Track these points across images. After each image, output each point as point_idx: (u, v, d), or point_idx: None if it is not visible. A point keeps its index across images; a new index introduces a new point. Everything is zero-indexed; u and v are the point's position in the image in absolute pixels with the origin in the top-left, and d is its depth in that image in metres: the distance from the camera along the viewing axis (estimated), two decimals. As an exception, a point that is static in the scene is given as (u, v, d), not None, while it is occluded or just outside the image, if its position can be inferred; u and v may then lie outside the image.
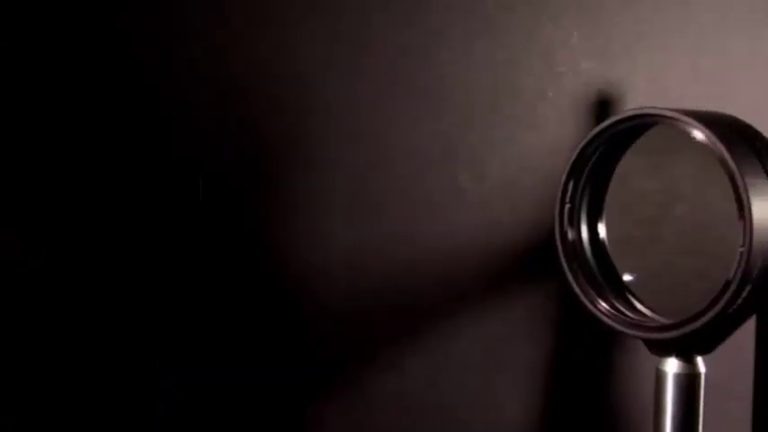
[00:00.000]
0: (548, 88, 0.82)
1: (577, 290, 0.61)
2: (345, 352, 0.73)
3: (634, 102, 0.88)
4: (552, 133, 0.81)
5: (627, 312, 0.60)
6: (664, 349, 0.60)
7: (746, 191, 0.54)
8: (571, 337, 0.85)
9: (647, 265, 0.62)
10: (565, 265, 0.61)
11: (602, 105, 0.85)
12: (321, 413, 0.72)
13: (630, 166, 0.62)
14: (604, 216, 0.63)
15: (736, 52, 0.98)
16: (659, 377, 0.61)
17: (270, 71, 0.68)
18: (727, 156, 0.54)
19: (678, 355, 0.60)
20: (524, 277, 0.82)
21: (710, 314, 0.55)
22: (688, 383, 0.60)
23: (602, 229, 0.63)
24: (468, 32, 0.77)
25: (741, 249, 0.54)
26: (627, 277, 0.61)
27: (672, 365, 0.60)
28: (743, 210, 0.54)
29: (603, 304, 0.60)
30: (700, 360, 0.61)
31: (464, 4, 0.77)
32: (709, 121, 0.56)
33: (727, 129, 0.56)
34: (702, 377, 0.61)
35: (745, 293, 0.55)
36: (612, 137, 0.60)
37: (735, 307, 0.55)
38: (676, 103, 0.91)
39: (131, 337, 0.64)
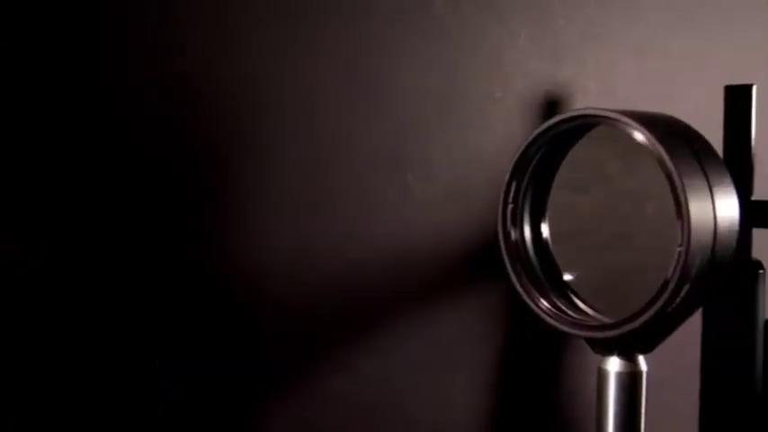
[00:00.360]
0: (496, 89, 0.82)
1: (520, 289, 0.61)
2: (295, 352, 0.73)
3: (582, 102, 0.88)
4: (500, 134, 0.82)
5: (569, 312, 0.60)
6: (605, 348, 0.61)
7: (684, 191, 0.54)
8: (520, 337, 0.85)
9: (590, 264, 0.63)
10: (508, 264, 0.62)
11: (550, 106, 0.86)
12: (271, 414, 0.72)
13: (573, 167, 0.62)
14: (547, 216, 0.63)
15: (682, 53, 0.99)
16: (601, 376, 0.61)
17: (220, 70, 0.67)
18: (665, 156, 0.54)
19: (620, 354, 0.61)
20: (474, 277, 0.82)
21: (649, 313, 0.55)
22: (629, 382, 0.61)
23: (545, 229, 0.63)
24: (416, 33, 0.77)
25: (679, 249, 0.54)
26: (568, 276, 0.61)
27: (613, 364, 0.61)
28: (681, 210, 0.54)
29: (546, 303, 0.60)
30: (641, 359, 0.61)
31: (413, 4, 0.77)
32: (649, 121, 0.56)
33: (667, 129, 0.57)
34: (644, 375, 0.61)
35: (683, 293, 0.56)
36: (555, 137, 0.60)
37: (674, 306, 0.56)
38: (623, 104, 0.92)
39: (88, 337, 0.64)
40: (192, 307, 0.67)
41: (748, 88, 0.85)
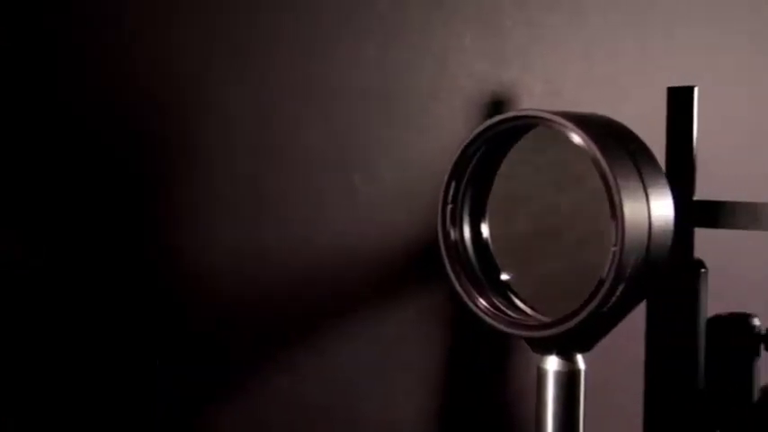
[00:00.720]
0: (440, 89, 0.82)
1: (459, 289, 0.61)
2: (243, 352, 0.72)
3: (528, 103, 0.89)
4: (445, 134, 0.82)
5: (508, 311, 0.61)
6: (544, 347, 0.61)
7: (619, 192, 0.55)
8: (467, 337, 0.85)
9: (530, 264, 0.63)
10: (447, 264, 0.62)
11: (496, 107, 0.86)
12: (219, 414, 0.71)
13: (513, 167, 0.63)
14: (487, 216, 0.63)
15: (627, 55, 1.00)
16: (540, 375, 0.62)
17: (166, 71, 0.67)
18: (600, 157, 0.55)
19: (558, 353, 0.61)
20: (419, 277, 0.82)
21: (585, 313, 0.56)
22: (568, 381, 0.61)
23: (485, 229, 0.63)
24: (361, 32, 0.77)
25: (614, 249, 0.55)
26: (505, 276, 0.62)
27: (552, 363, 0.61)
28: (615, 210, 0.55)
29: (484, 303, 0.61)
30: (580, 357, 0.62)
31: (357, 3, 0.77)
32: (585, 122, 0.57)
33: (603, 131, 0.57)
34: (582, 374, 0.62)
35: (618, 292, 0.56)
36: (494, 138, 0.61)
37: (609, 305, 0.56)
38: (569, 105, 0.93)
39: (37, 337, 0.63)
40: (140, 307, 0.66)
41: (690, 90, 0.86)
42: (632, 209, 0.55)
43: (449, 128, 0.82)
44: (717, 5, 1.15)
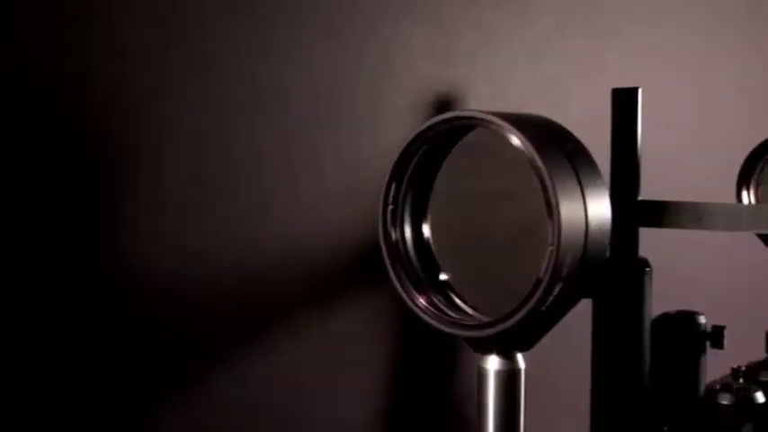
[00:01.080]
0: (387, 90, 0.83)
1: (400, 289, 0.62)
2: (184, 352, 0.72)
3: (474, 104, 0.90)
4: (392, 134, 0.82)
5: (448, 311, 0.61)
6: (484, 347, 0.61)
7: (555, 192, 0.55)
8: (414, 336, 0.86)
9: (471, 264, 0.63)
10: (388, 264, 0.62)
11: (442, 107, 0.87)
12: (159, 415, 0.71)
13: (454, 168, 0.63)
14: (429, 216, 0.63)
15: (574, 56, 1.01)
16: (481, 374, 0.62)
17: (105, 71, 0.66)
18: (536, 158, 0.55)
19: (498, 353, 0.61)
20: (366, 277, 0.82)
21: (523, 312, 0.56)
22: (508, 380, 0.62)
23: (426, 230, 0.63)
24: (307, 33, 0.77)
25: (550, 248, 0.55)
26: (443, 276, 0.62)
27: (493, 362, 0.62)
28: (551, 210, 0.55)
29: (424, 303, 0.61)
30: (520, 356, 0.62)
31: (304, 4, 0.76)
32: (523, 123, 0.57)
33: (540, 131, 0.58)
34: (522, 373, 0.62)
35: (555, 291, 0.57)
36: (433, 139, 0.61)
37: (547, 305, 0.57)
38: (516, 106, 0.94)
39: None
40: (81, 306, 0.65)
41: (634, 91, 0.87)
42: (569, 209, 0.56)
43: (395, 128, 0.82)
44: (662, 8, 1.17)
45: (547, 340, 1.00)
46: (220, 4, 0.71)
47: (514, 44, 0.94)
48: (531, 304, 0.56)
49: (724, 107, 1.34)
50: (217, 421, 0.73)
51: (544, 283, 0.56)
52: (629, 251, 0.88)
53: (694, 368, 0.93)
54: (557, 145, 0.58)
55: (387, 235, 0.62)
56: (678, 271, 1.20)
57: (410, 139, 0.61)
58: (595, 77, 1.01)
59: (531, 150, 0.56)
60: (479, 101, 0.89)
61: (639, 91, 0.87)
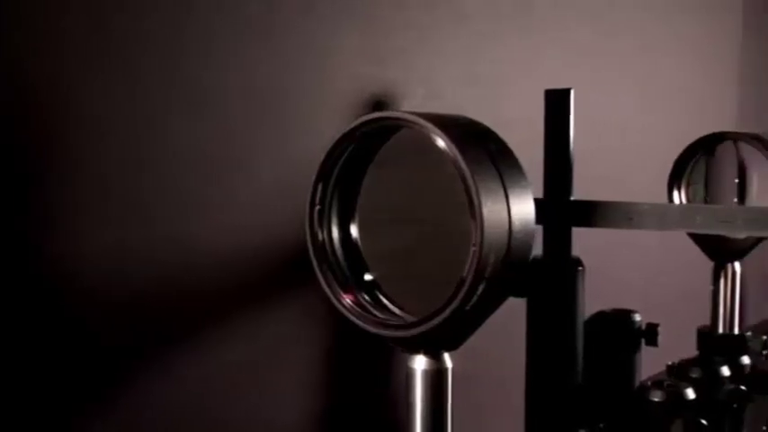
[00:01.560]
0: (320, 90, 0.83)
1: (327, 289, 0.62)
2: (113, 354, 0.71)
3: (409, 105, 0.90)
4: (326, 134, 0.82)
5: (374, 311, 0.61)
6: (411, 347, 0.62)
7: (477, 192, 0.56)
8: (348, 336, 0.86)
9: (398, 264, 0.64)
10: (315, 265, 0.62)
11: (377, 107, 0.87)
12: (88, 416, 0.70)
13: (381, 168, 0.63)
14: (356, 217, 0.63)
15: (509, 56, 1.02)
16: (408, 374, 0.62)
17: (29, 68, 0.65)
18: (459, 158, 0.56)
19: (425, 353, 0.62)
20: (297, 277, 0.82)
21: (447, 312, 0.57)
22: (436, 379, 0.62)
23: (353, 230, 0.63)
24: (240, 33, 0.76)
25: (473, 249, 0.56)
26: (368, 276, 0.62)
27: (420, 362, 0.62)
28: (474, 210, 0.56)
29: (351, 303, 0.61)
30: (447, 356, 0.62)
31: (237, 4, 0.76)
32: (446, 124, 0.57)
33: (464, 132, 0.58)
34: (449, 372, 0.63)
35: (479, 291, 0.57)
36: (360, 139, 0.61)
37: (471, 304, 0.57)
38: (451, 107, 0.94)
39: None
40: (6, 307, 0.64)
41: (567, 92, 0.88)
42: (491, 209, 0.56)
43: (330, 128, 0.82)
44: (597, 9, 1.18)
45: (486, 340, 1.01)
46: (150, 3, 0.71)
47: (449, 45, 0.94)
48: (454, 304, 0.57)
49: (659, 107, 1.36)
50: (147, 422, 0.73)
51: (467, 283, 0.56)
52: (561, 251, 0.89)
53: (629, 365, 0.95)
54: (480, 145, 0.58)
55: (314, 235, 0.62)
56: (615, 270, 1.22)
57: (336, 140, 0.61)
58: (531, 78, 1.02)
59: (454, 151, 0.56)
60: (414, 101, 0.90)
61: (572, 92, 0.88)
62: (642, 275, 1.29)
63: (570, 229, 0.89)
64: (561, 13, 1.09)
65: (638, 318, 0.94)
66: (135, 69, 0.70)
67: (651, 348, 0.94)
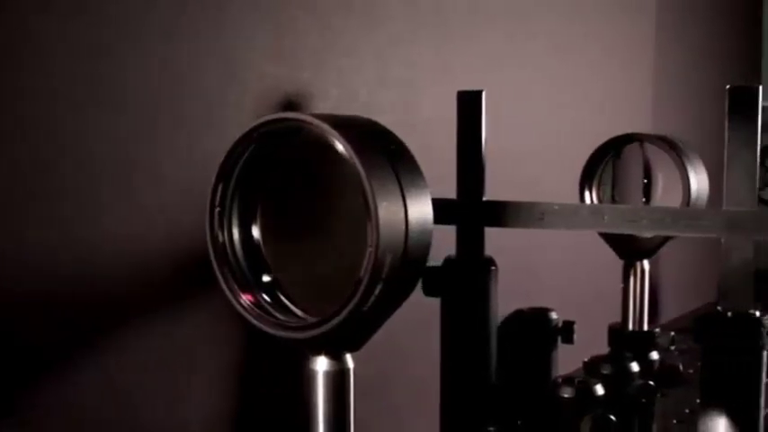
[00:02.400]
0: (230, 91, 0.82)
1: (227, 291, 0.61)
2: (12, 359, 0.70)
3: (322, 107, 0.90)
4: (233, 137, 0.82)
5: (274, 313, 0.61)
6: (311, 348, 0.62)
7: (374, 194, 0.56)
8: (257, 337, 0.85)
9: (299, 265, 0.64)
10: (215, 267, 0.62)
11: (288, 108, 0.87)
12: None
13: (282, 169, 0.63)
14: (258, 218, 0.63)
15: (423, 58, 1.03)
16: (310, 376, 0.62)
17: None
18: (356, 159, 0.56)
19: (327, 354, 0.62)
20: (205, 278, 0.81)
21: (344, 313, 0.57)
22: (337, 380, 0.62)
23: (255, 231, 0.63)
24: (147, 34, 0.76)
25: (370, 249, 0.56)
26: (266, 278, 0.62)
27: (321, 363, 0.62)
28: (370, 211, 0.56)
29: (251, 305, 0.61)
30: (348, 357, 0.63)
31: (143, 5, 0.75)
32: (344, 125, 0.58)
33: (361, 133, 0.59)
34: (351, 373, 0.63)
35: (377, 292, 0.57)
36: (260, 140, 0.61)
37: (369, 305, 0.57)
38: (365, 108, 0.94)
39: None
40: None
41: (478, 94, 0.89)
42: (388, 210, 0.57)
43: (237, 129, 0.82)
44: (510, 11, 1.20)
45: (403, 339, 1.01)
46: (51, 4, 0.70)
47: (364, 47, 0.94)
48: (351, 305, 0.57)
49: (574, 109, 1.38)
50: (49, 424, 0.72)
51: (364, 284, 0.56)
52: (474, 251, 0.90)
53: (546, 363, 0.96)
54: (378, 146, 0.59)
55: (214, 237, 0.62)
56: (533, 270, 1.23)
57: (235, 141, 0.61)
58: (445, 80, 1.03)
59: (350, 152, 0.56)
60: (327, 102, 0.90)
61: (483, 94, 0.89)
62: (559, 274, 1.31)
63: (483, 229, 0.90)
64: (475, 15, 1.11)
65: (554, 316, 0.96)
66: (34, 70, 0.69)
67: (569, 346, 0.95)
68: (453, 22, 1.06)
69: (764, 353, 0.78)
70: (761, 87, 0.79)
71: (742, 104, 0.79)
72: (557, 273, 1.30)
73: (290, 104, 0.86)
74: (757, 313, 0.78)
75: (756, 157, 0.78)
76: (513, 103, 1.18)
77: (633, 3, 1.61)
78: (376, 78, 0.95)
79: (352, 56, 0.92)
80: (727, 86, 0.79)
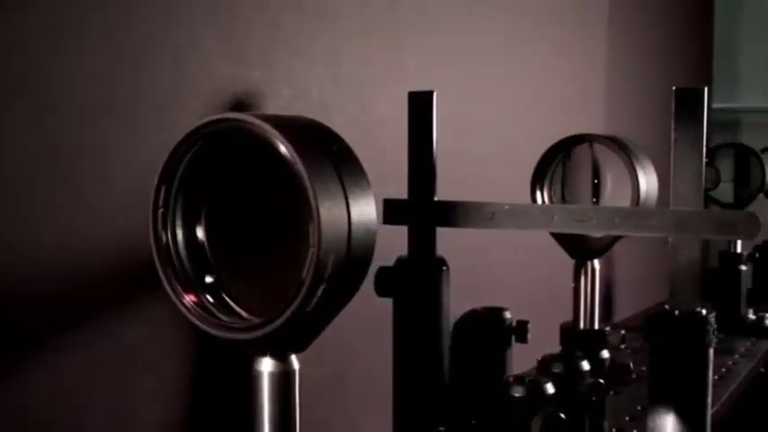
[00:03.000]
0: (178, 92, 0.81)
1: (170, 292, 0.61)
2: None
3: (273, 107, 0.90)
4: (180, 137, 0.81)
5: (218, 314, 0.61)
6: (256, 349, 0.62)
7: (315, 194, 0.56)
8: (210, 338, 0.85)
9: (243, 266, 0.63)
10: (159, 268, 0.61)
11: (239, 109, 0.86)
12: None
13: (225, 169, 0.63)
14: (202, 219, 0.63)
15: (374, 58, 1.03)
16: (255, 377, 0.62)
17: None
18: (297, 159, 0.56)
19: (272, 355, 0.62)
20: (156, 280, 0.81)
21: (287, 314, 0.57)
22: (282, 381, 0.62)
23: (200, 232, 0.63)
24: (91, 33, 0.75)
25: (312, 250, 0.56)
26: (209, 279, 0.62)
27: (266, 365, 0.62)
28: (311, 212, 0.56)
29: (194, 306, 0.60)
30: (293, 358, 0.63)
31: (85, 3, 0.74)
32: (284, 125, 0.57)
33: (302, 133, 0.58)
34: (296, 374, 0.63)
35: (319, 292, 0.57)
36: (203, 140, 0.61)
37: (312, 306, 0.57)
38: (317, 108, 0.94)
39: None
40: None
41: (430, 94, 0.89)
42: (330, 211, 0.56)
43: (184, 129, 0.81)
44: (463, 11, 1.20)
45: (357, 339, 1.01)
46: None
47: (314, 46, 0.94)
48: (294, 306, 0.57)
49: (526, 109, 1.39)
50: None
51: (306, 284, 0.56)
52: (426, 250, 0.91)
53: (500, 362, 0.97)
54: (320, 147, 0.59)
55: (157, 238, 0.61)
56: (487, 269, 1.24)
57: (178, 141, 0.60)
58: (397, 79, 1.03)
59: (291, 152, 0.56)
60: (278, 102, 0.90)
61: (434, 94, 0.89)
62: (512, 274, 1.32)
63: (434, 229, 0.91)
64: (428, 14, 1.11)
65: (508, 315, 0.96)
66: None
67: (523, 345, 0.96)
68: (405, 21, 1.07)
69: (711, 351, 0.79)
70: (706, 89, 0.80)
71: (688, 106, 0.80)
72: (510, 272, 1.31)
73: (241, 104, 0.86)
74: (704, 312, 0.79)
75: (702, 158, 0.79)
76: (466, 102, 1.18)
77: (585, 3, 1.62)
78: (328, 78, 0.95)
79: (303, 55, 0.92)
80: (674, 88, 0.80)
